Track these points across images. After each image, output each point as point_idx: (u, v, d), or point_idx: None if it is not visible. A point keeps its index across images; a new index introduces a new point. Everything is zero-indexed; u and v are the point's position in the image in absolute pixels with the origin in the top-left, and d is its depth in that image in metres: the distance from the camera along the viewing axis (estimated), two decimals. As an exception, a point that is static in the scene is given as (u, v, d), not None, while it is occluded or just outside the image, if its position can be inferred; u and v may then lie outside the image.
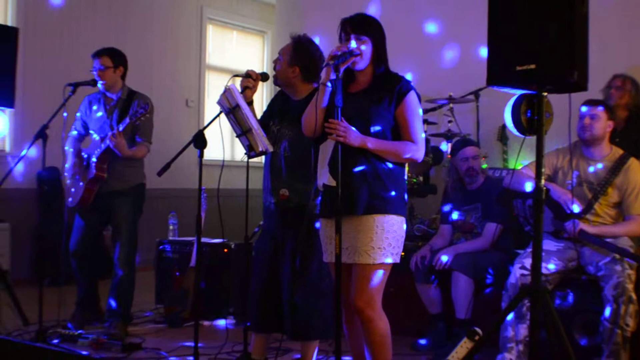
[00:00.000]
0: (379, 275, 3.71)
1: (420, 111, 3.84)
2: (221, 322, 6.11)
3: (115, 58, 5.79)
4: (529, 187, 4.74)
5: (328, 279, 4.21)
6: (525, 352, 4.51)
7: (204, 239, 5.57)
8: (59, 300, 5.43)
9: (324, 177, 3.75)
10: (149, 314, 6.53)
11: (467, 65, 7.37)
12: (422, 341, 5.37)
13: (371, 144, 3.67)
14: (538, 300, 3.56)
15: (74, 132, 5.95)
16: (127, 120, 5.42)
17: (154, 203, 7.22)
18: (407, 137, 3.76)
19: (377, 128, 3.72)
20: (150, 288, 6.80)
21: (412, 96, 3.78)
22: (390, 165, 3.75)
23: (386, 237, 3.69)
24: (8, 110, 6.31)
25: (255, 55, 11.28)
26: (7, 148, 8.04)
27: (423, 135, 3.84)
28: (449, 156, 5.94)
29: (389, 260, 3.72)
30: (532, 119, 3.68)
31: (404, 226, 3.80)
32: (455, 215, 5.65)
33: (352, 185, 3.67)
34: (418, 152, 3.77)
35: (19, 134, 7.93)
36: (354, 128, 3.64)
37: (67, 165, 5.89)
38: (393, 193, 3.74)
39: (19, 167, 5.46)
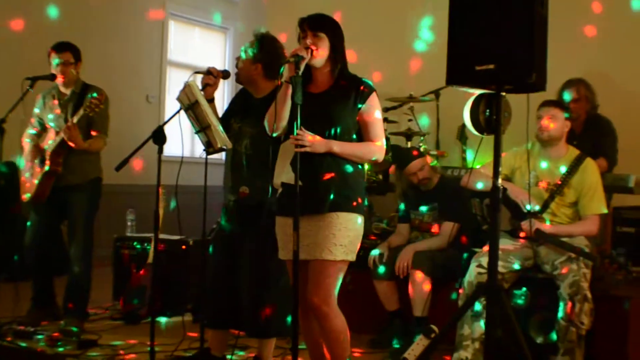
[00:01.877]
0: (336, 272, 3.74)
1: (380, 112, 3.88)
2: (178, 319, 6.08)
3: (75, 53, 5.75)
4: (486, 186, 4.77)
5: (285, 276, 4.21)
6: (481, 350, 4.54)
7: (161, 236, 5.54)
8: (14, 296, 5.37)
9: (284, 176, 3.76)
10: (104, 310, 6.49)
11: (428, 64, 7.41)
12: (379, 338, 5.39)
13: (337, 147, 3.72)
14: (494, 299, 3.59)
15: (31, 127, 5.88)
16: (81, 112, 5.37)
17: (112, 199, 7.13)
18: (369, 137, 3.82)
19: (340, 129, 3.74)
20: (108, 285, 6.75)
21: (374, 97, 3.83)
22: (351, 165, 3.79)
23: (348, 235, 3.72)
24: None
25: (217, 51, 11.22)
26: (-37, 142, 7.93)
27: (383, 135, 3.88)
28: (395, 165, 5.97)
29: (348, 258, 3.75)
30: (490, 119, 3.72)
31: (361, 224, 3.83)
32: (412, 215, 5.68)
33: (318, 184, 3.69)
34: (381, 152, 3.85)
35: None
36: (318, 137, 3.66)
37: (23, 160, 5.82)
38: (354, 192, 3.78)
39: (-25, 162, 5.39)
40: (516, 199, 4.77)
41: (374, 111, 3.81)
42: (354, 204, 3.76)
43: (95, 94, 5.34)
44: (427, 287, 5.23)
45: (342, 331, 3.78)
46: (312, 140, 3.64)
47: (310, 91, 3.82)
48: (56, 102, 5.75)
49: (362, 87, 3.79)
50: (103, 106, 5.44)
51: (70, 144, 5.46)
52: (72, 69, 5.72)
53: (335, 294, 3.77)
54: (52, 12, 8.12)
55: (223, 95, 10.62)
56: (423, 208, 5.60)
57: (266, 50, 4.45)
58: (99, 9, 9.21)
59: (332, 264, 3.71)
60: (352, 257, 3.77)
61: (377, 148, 3.82)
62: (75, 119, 5.40)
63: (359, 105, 3.78)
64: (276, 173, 3.87)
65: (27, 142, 5.79)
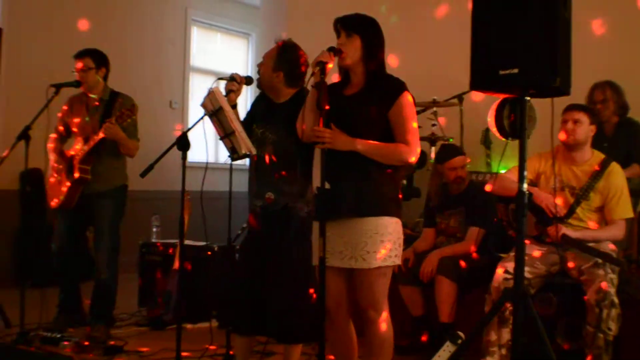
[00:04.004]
0: (377, 278, 3.73)
1: (414, 113, 3.82)
2: (204, 325, 6.09)
3: (96, 59, 5.78)
4: (512, 191, 4.74)
5: (314, 282, 4.21)
6: (507, 356, 4.52)
7: (187, 242, 5.56)
8: (41, 303, 5.40)
9: (317, 180, 3.75)
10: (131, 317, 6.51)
11: (452, 68, 7.39)
12: (405, 344, 5.38)
13: (361, 146, 3.67)
14: (520, 304, 3.57)
15: (56, 134, 5.93)
16: (113, 120, 5.40)
17: (137, 205, 7.17)
18: (400, 139, 3.75)
19: (369, 130, 3.72)
20: (133, 291, 6.78)
21: (405, 97, 3.76)
22: (383, 167, 3.75)
23: (381, 240, 3.69)
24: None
25: (239, 57, 11.26)
26: (-11, 149, 8.00)
27: (416, 137, 3.80)
28: (434, 162, 5.93)
29: (387, 264, 3.72)
30: (514, 123, 3.70)
31: (400, 227, 3.80)
32: (438, 219, 5.66)
33: (343, 188, 3.68)
34: (410, 154, 3.74)
35: (1, 135, 7.88)
36: (340, 133, 3.65)
37: (49, 167, 5.86)
38: (386, 194, 3.75)
39: (2, 168, 5.42)
40: (541, 204, 4.75)
41: (404, 112, 3.75)
42: (386, 206, 3.73)
43: (129, 111, 5.38)
44: (452, 292, 5.21)
45: (387, 338, 3.81)
46: (332, 136, 3.62)
47: (344, 93, 3.82)
48: (84, 108, 5.78)
49: (393, 88, 3.76)
50: (135, 117, 5.48)
51: (117, 139, 5.51)
52: (94, 74, 5.75)
53: (384, 299, 3.78)
54: (77, 19, 8.17)
55: (246, 100, 10.64)
56: (449, 212, 5.58)
57: (287, 59, 4.45)
58: (121, 16, 9.27)
59: (369, 272, 3.70)
60: (392, 261, 3.74)
61: (406, 149, 3.72)
62: (113, 120, 5.42)
63: (390, 107, 3.74)
64: (314, 177, 3.87)
65: (52, 148, 5.82)
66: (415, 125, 3.79)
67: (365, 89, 3.81)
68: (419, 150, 3.80)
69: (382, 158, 3.73)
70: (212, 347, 4.96)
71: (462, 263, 5.21)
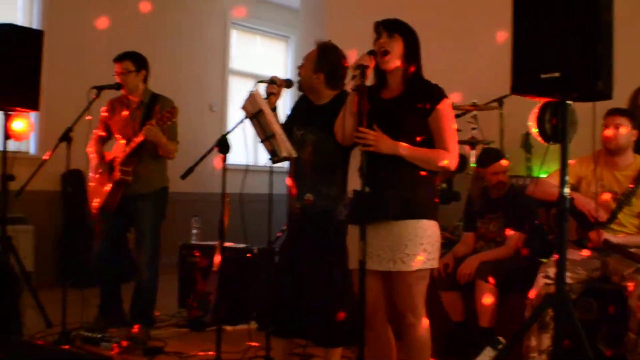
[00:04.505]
0: (417, 281, 3.74)
1: (454, 118, 3.84)
2: (243, 327, 6.11)
3: (136, 62, 5.83)
4: (553, 195, 4.71)
5: (353, 286, 4.22)
6: (548, 362, 4.49)
7: (226, 244, 5.59)
8: (82, 303, 5.46)
9: (355, 183, 3.75)
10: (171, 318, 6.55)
11: (492, 71, 7.35)
12: (445, 349, 5.36)
13: (403, 150, 3.68)
14: (562, 310, 3.54)
15: (97, 136, 5.99)
16: (153, 122, 5.44)
17: (177, 207, 7.23)
18: (440, 145, 3.76)
19: (408, 135, 3.72)
20: (173, 292, 6.83)
21: (445, 104, 3.77)
22: (422, 170, 3.75)
23: (420, 243, 3.69)
24: (33, 113, 6.36)
25: (279, 59, 11.31)
26: (32, 150, 8.10)
27: (456, 142, 3.82)
28: (475, 166, 5.90)
29: (426, 267, 3.73)
30: (556, 127, 3.67)
31: (437, 231, 3.80)
32: (479, 223, 5.64)
33: (384, 191, 3.68)
34: (451, 160, 3.76)
35: (44, 137, 7.98)
36: (383, 135, 3.65)
37: (90, 169, 5.92)
38: (424, 198, 3.75)
39: (44, 170, 5.49)
40: (583, 208, 4.71)
41: (445, 118, 3.76)
42: (425, 210, 3.73)
43: (169, 114, 5.42)
44: (492, 297, 5.18)
45: (426, 342, 3.81)
46: (376, 138, 3.62)
47: (382, 96, 3.82)
48: (125, 110, 5.84)
49: (433, 93, 3.76)
50: (175, 119, 5.52)
51: (157, 141, 5.55)
52: (134, 76, 5.80)
53: (422, 302, 3.78)
54: (118, 22, 8.25)
55: (285, 103, 10.66)
56: (490, 216, 5.56)
57: (328, 60, 4.46)
58: (161, 19, 9.34)
59: (408, 275, 3.71)
60: (430, 264, 3.75)
61: (447, 155, 3.74)
62: (153, 122, 5.47)
63: (430, 112, 3.74)
64: (349, 180, 3.88)
65: (93, 151, 5.88)
66: (454, 131, 3.81)
67: (404, 93, 3.81)
68: (458, 156, 3.81)
69: (423, 163, 3.73)
70: (251, 349, 4.98)
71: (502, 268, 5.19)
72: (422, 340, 3.79)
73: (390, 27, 3.79)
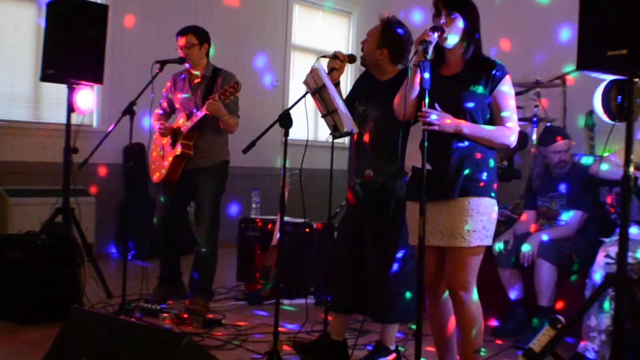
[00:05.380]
0: (473, 258, 3.75)
1: (514, 96, 3.83)
2: (301, 301, 6.15)
3: (199, 35, 5.85)
4: (616, 174, 4.64)
5: (412, 262, 4.20)
6: (607, 342, 4.44)
7: (286, 218, 5.60)
8: (142, 275, 5.52)
9: (415, 160, 3.74)
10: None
11: (555, 48, 7.26)
12: (503, 327, 5.34)
13: (466, 129, 3.68)
14: (623, 290, 3.50)
15: (160, 110, 6.04)
16: (216, 97, 5.46)
17: (238, 181, 7.27)
18: (500, 122, 3.77)
19: (469, 113, 3.71)
20: (232, 265, 6.89)
21: (506, 81, 3.76)
22: (482, 148, 3.75)
23: (481, 220, 3.71)
24: (97, 87, 6.43)
25: (341, 35, 11.26)
26: (95, 124, 8.21)
27: (516, 120, 3.82)
28: (537, 144, 5.84)
29: (484, 243, 3.75)
30: (622, 105, 3.62)
31: (496, 208, 3.81)
32: (539, 202, 5.58)
33: (447, 168, 3.68)
34: (513, 137, 3.78)
35: (107, 110, 8.07)
36: (446, 114, 3.63)
37: (152, 142, 5.98)
38: (485, 176, 3.74)
39: (106, 143, 5.56)
40: (648, 188, 4.63)
41: (505, 95, 3.76)
42: (485, 187, 3.73)
43: (232, 89, 5.43)
44: (553, 276, 5.14)
45: (477, 319, 3.80)
46: (439, 117, 3.61)
47: (441, 73, 3.80)
48: (187, 84, 5.88)
49: (494, 70, 3.73)
50: (237, 94, 5.53)
51: (219, 116, 5.56)
52: (197, 50, 5.82)
53: (474, 280, 3.78)
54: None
55: (347, 79, 10.65)
56: (551, 195, 5.50)
57: (392, 36, 4.44)
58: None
59: (468, 251, 3.71)
60: (487, 241, 3.77)
61: (509, 132, 3.76)
62: (216, 96, 5.49)
63: (491, 89, 3.73)
64: (407, 157, 3.87)
65: (155, 124, 5.94)
66: (515, 108, 3.81)
67: (465, 70, 3.79)
68: (518, 133, 3.81)
69: (485, 141, 3.74)
70: (309, 323, 5.01)
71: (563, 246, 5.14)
72: (472, 316, 3.79)
73: (450, 5, 3.75)
